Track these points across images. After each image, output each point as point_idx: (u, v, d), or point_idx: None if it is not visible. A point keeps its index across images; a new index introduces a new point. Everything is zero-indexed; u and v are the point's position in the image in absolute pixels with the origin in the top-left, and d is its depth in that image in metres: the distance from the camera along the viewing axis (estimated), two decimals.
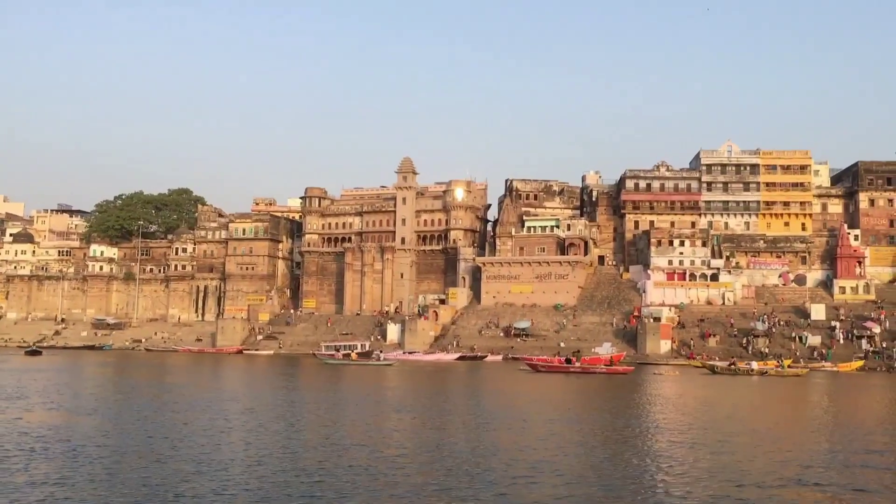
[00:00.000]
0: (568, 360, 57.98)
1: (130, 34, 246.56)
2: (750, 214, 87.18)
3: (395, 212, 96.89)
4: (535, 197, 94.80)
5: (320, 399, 36.13)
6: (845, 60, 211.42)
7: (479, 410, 30.94)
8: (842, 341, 69.94)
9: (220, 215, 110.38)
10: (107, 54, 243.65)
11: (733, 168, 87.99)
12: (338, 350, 73.94)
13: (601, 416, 28.93)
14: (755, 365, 57.59)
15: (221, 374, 55.98)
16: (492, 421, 26.96)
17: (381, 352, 73.54)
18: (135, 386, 43.78)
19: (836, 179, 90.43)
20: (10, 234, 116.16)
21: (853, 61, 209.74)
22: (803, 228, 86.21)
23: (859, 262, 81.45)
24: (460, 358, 72.92)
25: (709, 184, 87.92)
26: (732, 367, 57.44)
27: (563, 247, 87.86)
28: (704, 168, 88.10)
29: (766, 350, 68.63)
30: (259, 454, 20.05)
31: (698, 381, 49.74)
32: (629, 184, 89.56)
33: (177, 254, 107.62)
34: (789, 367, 57.79)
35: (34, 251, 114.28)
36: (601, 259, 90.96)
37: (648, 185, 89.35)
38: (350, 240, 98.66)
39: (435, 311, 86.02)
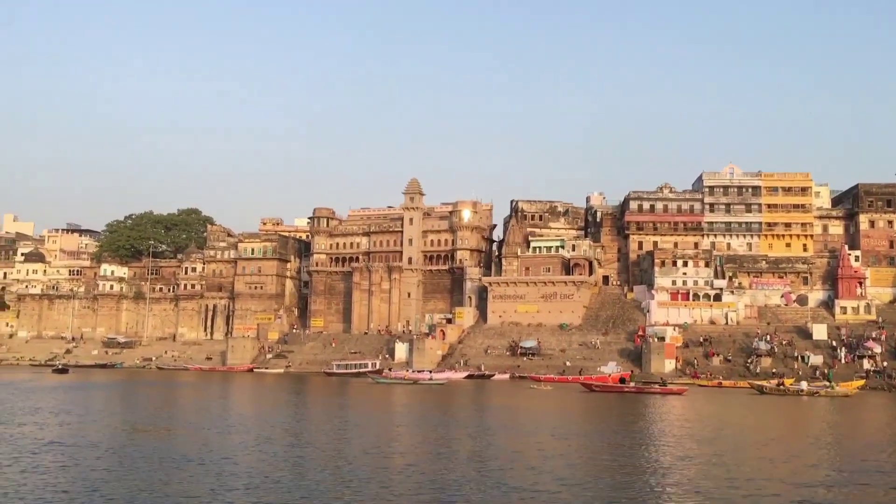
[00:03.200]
0: (622, 380, 59.39)
1: (140, 55, 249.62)
2: (752, 235, 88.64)
3: (402, 232, 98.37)
4: (540, 217, 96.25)
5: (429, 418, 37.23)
6: (846, 84, 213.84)
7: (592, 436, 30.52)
8: (843, 361, 71.13)
9: (229, 235, 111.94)
10: (116, 76, 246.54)
11: (735, 190, 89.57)
12: (390, 370, 75.09)
13: (692, 442, 28.50)
14: (804, 385, 56.63)
15: (273, 393, 55.88)
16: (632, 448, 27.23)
17: (431, 371, 74.27)
18: (211, 402, 46.33)
19: (837, 201, 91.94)
20: (22, 254, 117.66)
21: (854, 85, 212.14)
22: (805, 249, 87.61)
23: (860, 283, 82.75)
24: (468, 376, 74.06)
25: (711, 205, 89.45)
26: (781, 387, 56.95)
27: (568, 267, 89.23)
28: (707, 190, 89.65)
29: (774, 370, 69.68)
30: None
31: (750, 401, 49.78)
32: (633, 205, 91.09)
33: (186, 273, 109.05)
34: (839, 387, 57.01)
35: (45, 270, 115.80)
36: (605, 279, 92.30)
37: (652, 207, 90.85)
38: (358, 259, 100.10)
39: (442, 331, 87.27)
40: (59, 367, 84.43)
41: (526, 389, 58.08)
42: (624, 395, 53.32)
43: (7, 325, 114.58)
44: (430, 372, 73.05)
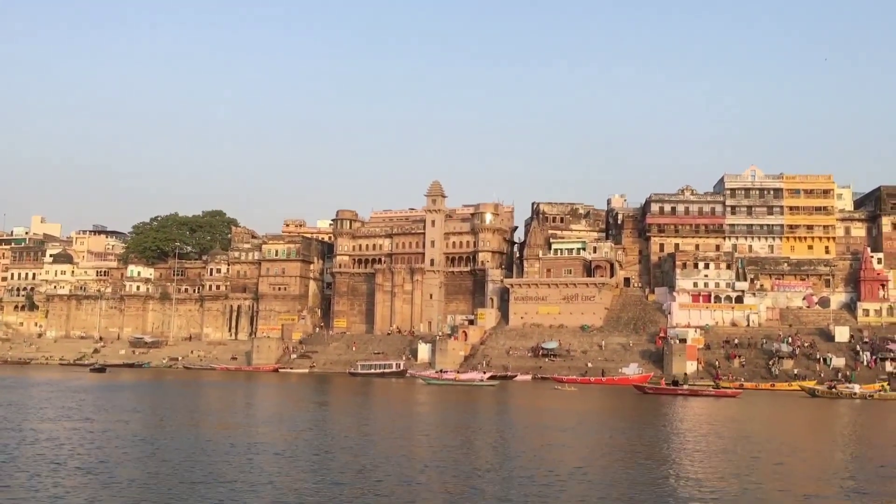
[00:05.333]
0: (675, 383, 60.37)
1: (164, 58, 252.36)
2: (774, 238, 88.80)
3: (424, 234, 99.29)
4: (562, 220, 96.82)
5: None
6: (868, 85, 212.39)
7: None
8: (866, 363, 71.26)
9: (253, 237, 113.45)
10: (140, 77, 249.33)
11: (757, 192, 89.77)
12: (442, 372, 75.83)
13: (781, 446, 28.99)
14: (857, 388, 56.56)
15: (313, 393, 56.24)
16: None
17: (484, 373, 75.03)
18: (260, 400, 48.19)
19: (859, 203, 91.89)
20: (51, 255, 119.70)
21: (876, 86, 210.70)
22: (827, 252, 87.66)
23: (883, 286, 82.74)
24: (491, 377, 74.74)
25: (733, 207, 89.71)
26: (833, 390, 56.73)
27: (589, 269, 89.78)
28: (728, 192, 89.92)
29: (797, 372, 69.96)
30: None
31: (803, 404, 49.75)
32: (654, 207, 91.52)
33: (211, 274, 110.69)
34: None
35: (73, 271, 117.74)
36: (627, 281, 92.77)
37: (673, 209, 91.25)
38: (380, 261, 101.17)
39: (464, 332, 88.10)
40: (97, 366, 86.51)
41: (551, 390, 58.80)
42: (678, 397, 53.70)
43: (36, 324, 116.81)
44: (483, 373, 74.04)
